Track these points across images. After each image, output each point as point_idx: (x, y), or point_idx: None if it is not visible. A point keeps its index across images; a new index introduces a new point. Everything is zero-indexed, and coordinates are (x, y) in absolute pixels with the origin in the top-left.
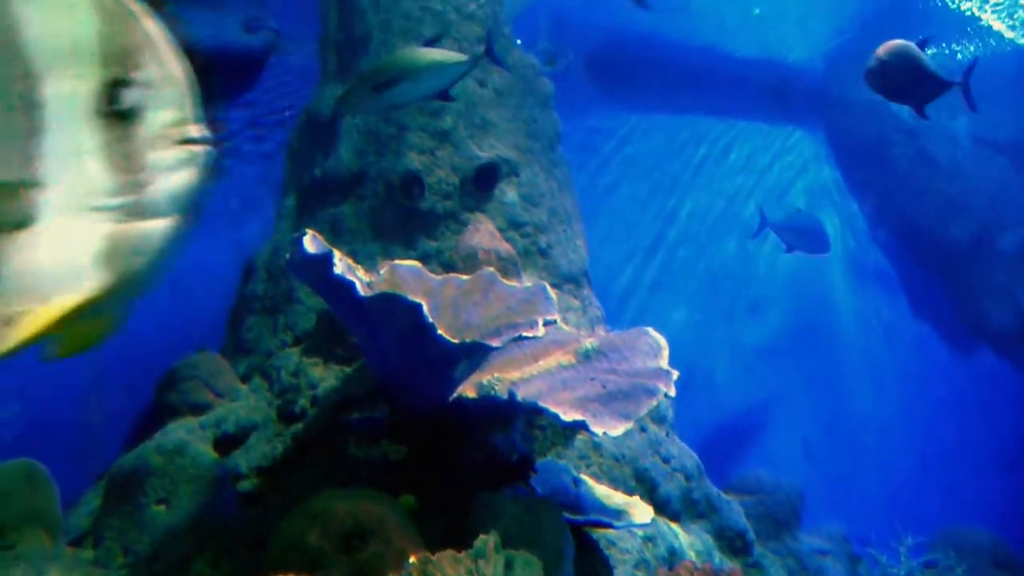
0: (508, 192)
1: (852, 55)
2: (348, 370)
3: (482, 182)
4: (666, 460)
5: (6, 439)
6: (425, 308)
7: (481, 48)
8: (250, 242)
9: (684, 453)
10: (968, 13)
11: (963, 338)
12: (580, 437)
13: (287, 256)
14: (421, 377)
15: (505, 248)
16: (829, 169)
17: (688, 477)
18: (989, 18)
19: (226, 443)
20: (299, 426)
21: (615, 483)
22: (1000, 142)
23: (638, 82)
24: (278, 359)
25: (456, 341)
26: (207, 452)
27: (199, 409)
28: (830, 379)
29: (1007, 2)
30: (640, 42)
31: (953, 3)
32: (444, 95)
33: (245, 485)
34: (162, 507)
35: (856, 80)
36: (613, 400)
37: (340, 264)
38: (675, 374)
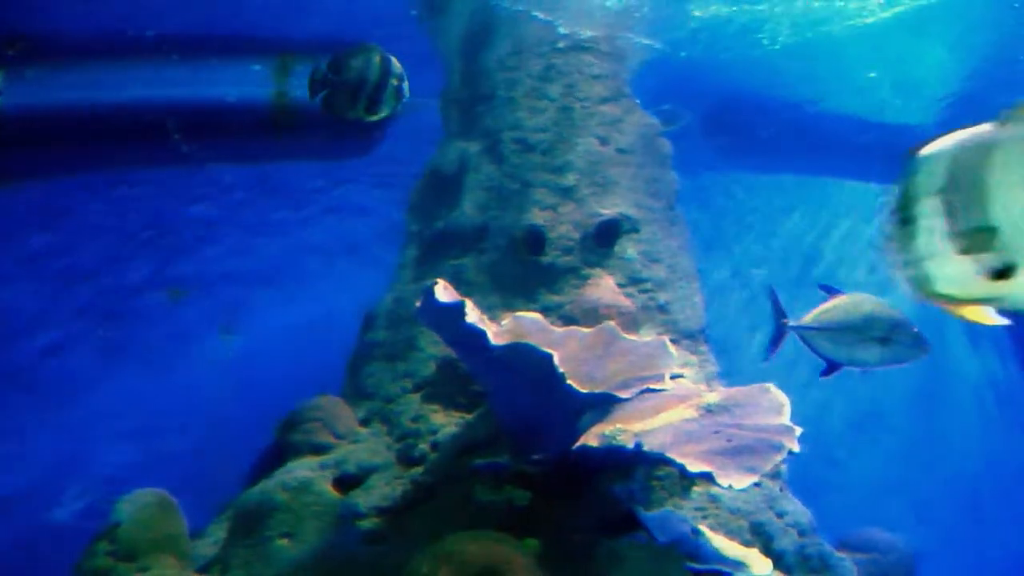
0: (628, 249)
1: (966, 116)
2: (469, 417)
3: (603, 238)
4: (780, 515)
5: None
6: (556, 359)
7: (604, 107)
8: (370, 291)
9: (798, 509)
10: None
11: None
12: (697, 489)
13: (416, 304)
14: (547, 426)
15: (625, 304)
16: None
17: (802, 533)
18: None
19: (346, 483)
20: (419, 470)
21: (731, 535)
22: None
23: (753, 142)
24: (398, 405)
25: (585, 391)
26: (329, 491)
27: (320, 450)
28: (943, 440)
29: None
30: (755, 103)
31: None
32: None
33: (364, 524)
34: (286, 541)
35: None
36: (739, 454)
37: (472, 313)
38: (798, 430)
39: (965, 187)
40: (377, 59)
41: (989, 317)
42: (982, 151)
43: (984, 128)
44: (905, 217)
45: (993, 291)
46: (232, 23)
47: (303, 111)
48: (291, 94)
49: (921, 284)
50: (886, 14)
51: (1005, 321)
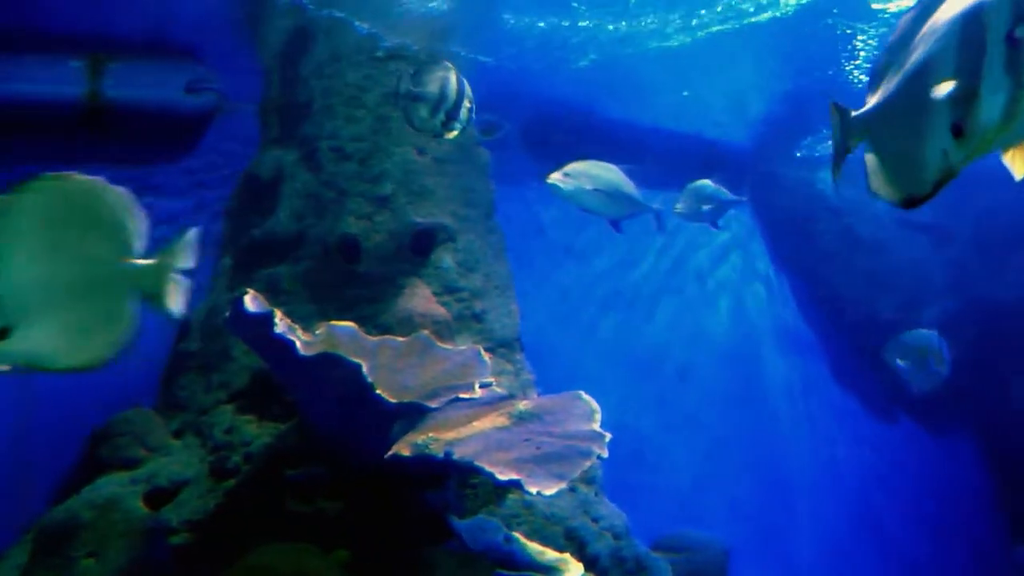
0: (445, 258)
1: (780, 133)
2: (283, 428)
3: (419, 247)
4: (596, 519)
5: None
6: (364, 368)
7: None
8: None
9: (613, 513)
10: None
11: (884, 406)
12: (512, 496)
13: (226, 314)
14: (358, 435)
15: (440, 312)
16: (756, 243)
17: (617, 536)
18: None
19: (157, 498)
20: (232, 482)
21: (546, 541)
22: (921, 223)
23: (572, 153)
24: (212, 416)
25: (394, 401)
26: (139, 506)
27: (131, 464)
28: (758, 442)
29: None
30: (575, 115)
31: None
32: None
33: (176, 539)
34: (91, 561)
35: (783, 158)
36: (547, 461)
37: (281, 324)
38: (607, 436)
39: None
40: (454, 77)
41: None
42: None
43: None
44: None
45: None
46: (48, 17)
47: (117, 112)
48: (105, 94)
49: None
50: (689, 38)
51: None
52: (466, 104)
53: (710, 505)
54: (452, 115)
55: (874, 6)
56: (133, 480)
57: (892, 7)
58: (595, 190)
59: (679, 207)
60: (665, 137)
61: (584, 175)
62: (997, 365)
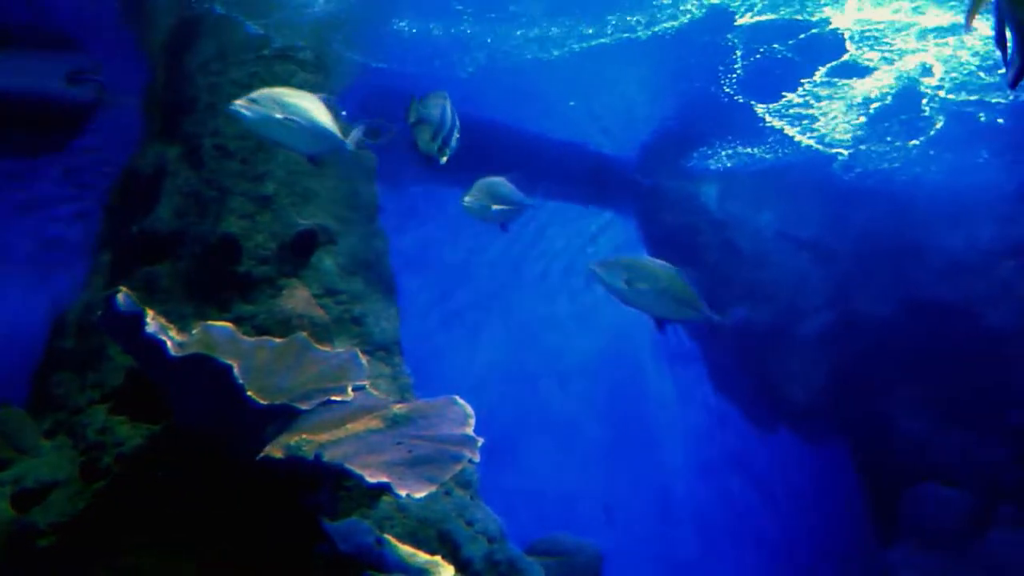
0: (326, 260)
1: (664, 148)
2: (156, 428)
3: (300, 249)
4: (470, 523)
5: None
6: (235, 370)
7: None
8: (60, 296)
9: (488, 516)
10: (762, 123)
11: (762, 414)
12: (386, 499)
13: (99, 313)
14: (231, 437)
15: (320, 314)
16: (640, 252)
17: (491, 539)
18: (781, 124)
19: (25, 500)
20: (103, 483)
21: (419, 544)
22: (801, 238)
23: (460, 159)
24: (85, 416)
25: (265, 403)
26: (5, 509)
27: None
28: (635, 447)
29: (796, 113)
30: (462, 121)
31: (755, 107)
32: None
33: (43, 542)
34: None
35: (667, 171)
36: (419, 464)
37: (152, 323)
38: (480, 441)
39: None
40: (449, 106)
41: None
42: None
43: None
44: None
45: None
46: None
47: None
48: None
49: None
50: (569, 50)
51: None
52: (456, 133)
53: (586, 510)
54: (446, 140)
55: (738, 21)
56: (0, 482)
57: (749, 19)
58: (286, 119)
59: (468, 199)
60: (553, 146)
61: (273, 102)
62: (871, 376)
